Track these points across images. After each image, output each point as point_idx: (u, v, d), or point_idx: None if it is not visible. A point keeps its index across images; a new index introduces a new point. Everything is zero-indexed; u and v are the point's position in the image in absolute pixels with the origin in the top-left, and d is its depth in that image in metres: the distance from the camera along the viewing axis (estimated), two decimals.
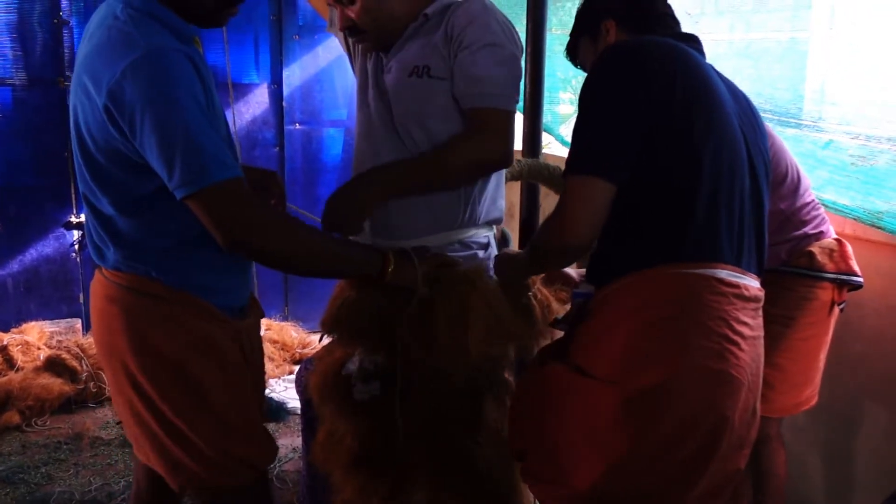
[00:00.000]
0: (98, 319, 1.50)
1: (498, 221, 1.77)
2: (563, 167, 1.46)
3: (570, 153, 1.44)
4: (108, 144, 1.32)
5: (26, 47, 3.76)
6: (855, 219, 2.23)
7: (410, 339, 1.54)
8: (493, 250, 1.78)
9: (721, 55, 2.71)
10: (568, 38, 1.87)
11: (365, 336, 1.66)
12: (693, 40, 1.57)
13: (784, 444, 2.29)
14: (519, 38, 1.69)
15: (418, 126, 1.63)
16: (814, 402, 2.25)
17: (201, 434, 1.47)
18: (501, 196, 1.79)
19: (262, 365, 1.71)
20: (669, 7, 1.68)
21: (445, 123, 1.63)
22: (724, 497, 1.45)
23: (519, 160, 2.07)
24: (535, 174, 2.08)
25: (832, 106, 2.40)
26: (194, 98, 1.27)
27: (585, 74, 1.55)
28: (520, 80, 1.67)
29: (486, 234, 1.72)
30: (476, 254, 1.69)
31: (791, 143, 2.34)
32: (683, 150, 1.37)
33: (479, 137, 1.59)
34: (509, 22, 1.67)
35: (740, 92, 1.57)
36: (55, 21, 3.78)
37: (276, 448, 1.64)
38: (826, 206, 2.27)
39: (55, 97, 3.83)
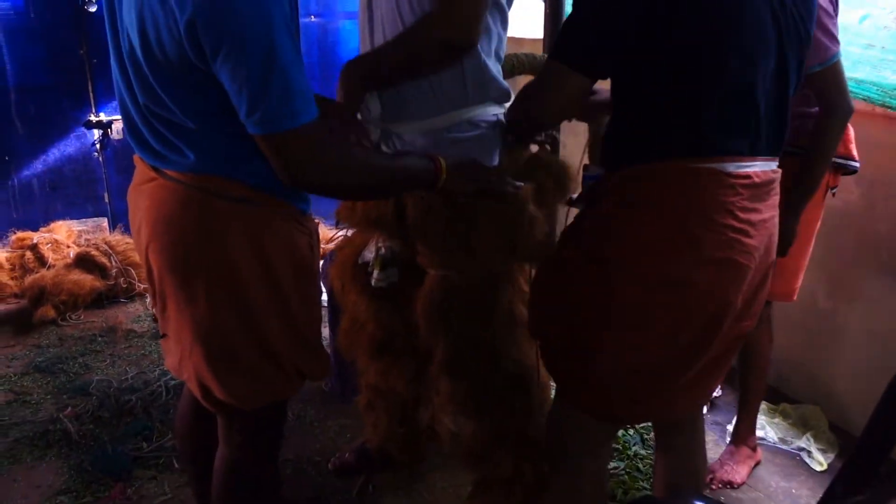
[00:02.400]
0: (169, 227, 1.36)
1: (507, 97, 1.72)
2: None
3: (558, 35, 1.41)
4: (181, 60, 1.21)
5: None
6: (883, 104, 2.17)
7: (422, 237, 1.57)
8: (503, 128, 1.72)
9: None
10: None
11: (380, 224, 1.67)
12: None
13: (772, 328, 2.31)
14: None
15: (408, 2, 1.58)
16: (794, 297, 2.24)
17: (284, 345, 1.43)
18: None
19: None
20: None
21: None
22: (727, 362, 1.55)
23: (515, 54, 2.01)
24: (534, 68, 2.02)
25: None
26: (287, 26, 1.17)
27: None
28: None
29: (496, 112, 1.69)
30: (484, 132, 1.66)
31: None
32: (693, 38, 1.31)
33: (440, 15, 1.51)
34: None
35: None
36: None
37: (330, 361, 1.62)
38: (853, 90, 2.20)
39: None
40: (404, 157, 1.49)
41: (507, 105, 1.69)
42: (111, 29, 1.33)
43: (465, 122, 1.62)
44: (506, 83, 1.70)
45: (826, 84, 1.89)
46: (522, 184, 1.60)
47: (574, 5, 1.39)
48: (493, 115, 1.66)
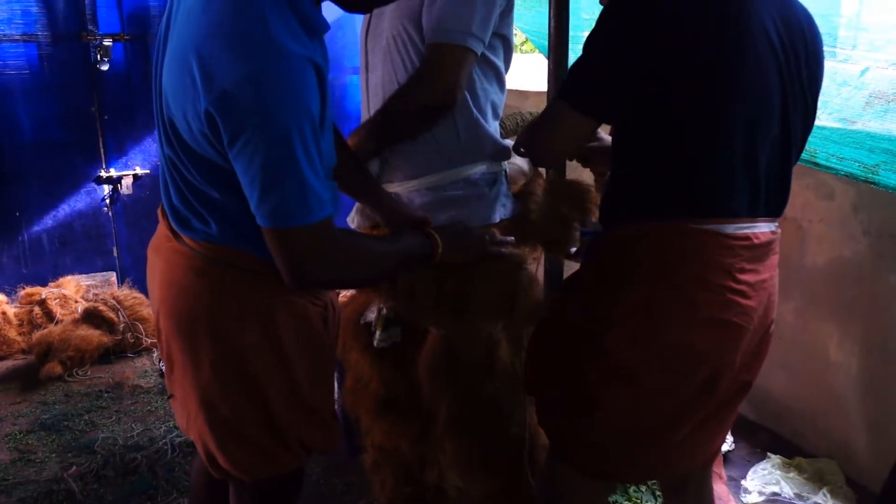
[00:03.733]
0: (179, 292, 1.36)
1: (505, 155, 1.73)
2: None
3: (567, 73, 1.43)
4: (203, 137, 1.19)
5: (49, 3, 3.75)
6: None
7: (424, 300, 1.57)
8: (502, 186, 1.74)
9: None
10: None
11: (381, 285, 1.67)
12: None
13: None
14: None
15: (401, 45, 1.61)
16: None
17: (286, 418, 1.40)
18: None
19: (337, 337, 1.61)
20: None
21: (420, 46, 1.59)
22: (728, 418, 1.54)
23: (519, 112, 2.03)
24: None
25: (865, 32, 2.30)
26: (311, 121, 1.14)
27: None
28: (489, 20, 1.57)
29: (494, 170, 1.69)
30: (482, 190, 1.67)
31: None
32: (697, 98, 1.31)
33: (421, 79, 1.55)
34: None
35: (801, 18, 1.41)
36: None
37: (341, 433, 1.58)
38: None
39: (79, 52, 3.82)
40: (402, 240, 1.47)
41: (506, 162, 1.70)
42: (154, 83, 1.32)
43: (461, 180, 1.64)
44: (504, 140, 1.72)
45: None
46: (513, 239, 1.60)
47: (583, 49, 1.39)
48: (491, 172, 1.67)
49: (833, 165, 2.32)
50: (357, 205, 1.82)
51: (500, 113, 1.75)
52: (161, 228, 1.43)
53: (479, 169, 1.67)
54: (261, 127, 1.10)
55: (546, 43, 2.71)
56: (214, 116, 1.12)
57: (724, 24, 1.31)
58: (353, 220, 1.84)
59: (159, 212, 1.44)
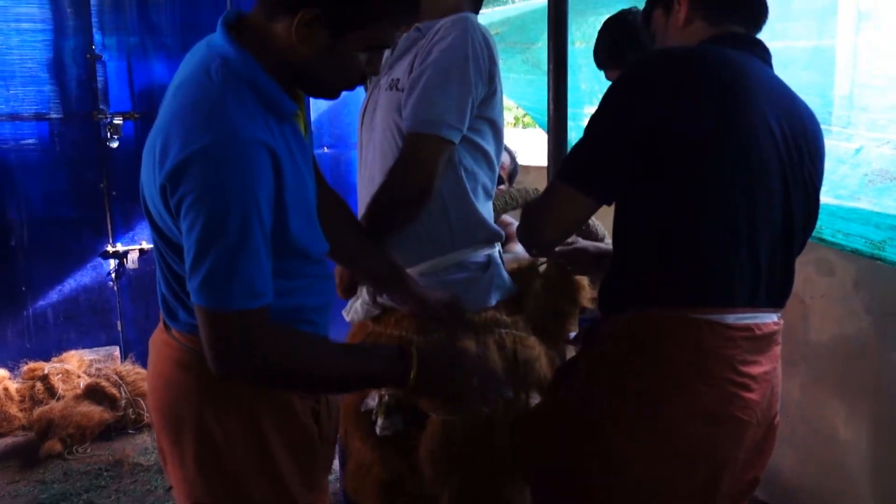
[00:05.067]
0: (165, 385, 1.34)
1: (497, 238, 1.75)
2: None
3: (567, 154, 1.43)
4: (165, 219, 1.20)
5: (62, 82, 3.86)
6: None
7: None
8: (497, 269, 1.75)
9: None
10: (592, 50, 1.83)
11: None
12: (756, 46, 1.45)
13: None
14: (492, 58, 1.62)
15: (391, 140, 1.64)
16: None
17: None
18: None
19: (336, 433, 1.54)
20: None
21: None
22: None
23: (508, 191, 2.07)
24: (525, 203, 2.07)
25: (861, 112, 2.35)
26: (256, 206, 1.12)
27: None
28: (465, 108, 1.58)
29: (486, 253, 1.71)
30: (475, 274, 1.68)
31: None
32: (699, 186, 1.31)
33: (398, 170, 1.57)
34: (486, 40, 1.62)
35: (802, 112, 1.43)
36: (88, 56, 3.87)
37: None
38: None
39: (90, 130, 3.91)
40: (367, 354, 1.37)
41: (499, 244, 1.72)
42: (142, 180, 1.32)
43: (453, 265, 1.65)
44: (495, 225, 1.74)
45: None
46: (511, 394, 1.55)
47: (586, 130, 1.40)
48: (484, 255, 1.68)
49: (839, 241, 2.32)
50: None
51: (493, 194, 1.78)
52: (161, 321, 1.42)
53: (471, 254, 1.68)
54: (200, 202, 1.10)
55: (545, 118, 2.77)
56: (166, 191, 1.13)
57: (727, 114, 1.31)
58: (348, 313, 1.84)
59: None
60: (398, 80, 1.63)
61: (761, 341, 1.35)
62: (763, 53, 1.45)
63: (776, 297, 1.40)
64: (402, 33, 1.68)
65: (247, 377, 1.21)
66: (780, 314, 1.42)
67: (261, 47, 1.19)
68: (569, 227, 1.46)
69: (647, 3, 1.62)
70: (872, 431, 2.49)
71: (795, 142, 1.37)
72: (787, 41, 2.52)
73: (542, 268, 1.80)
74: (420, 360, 1.29)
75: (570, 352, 1.91)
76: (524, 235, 1.52)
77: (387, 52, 1.69)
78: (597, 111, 1.38)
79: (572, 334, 1.72)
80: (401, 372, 1.29)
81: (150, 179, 1.19)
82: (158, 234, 1.25)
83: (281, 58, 1.20)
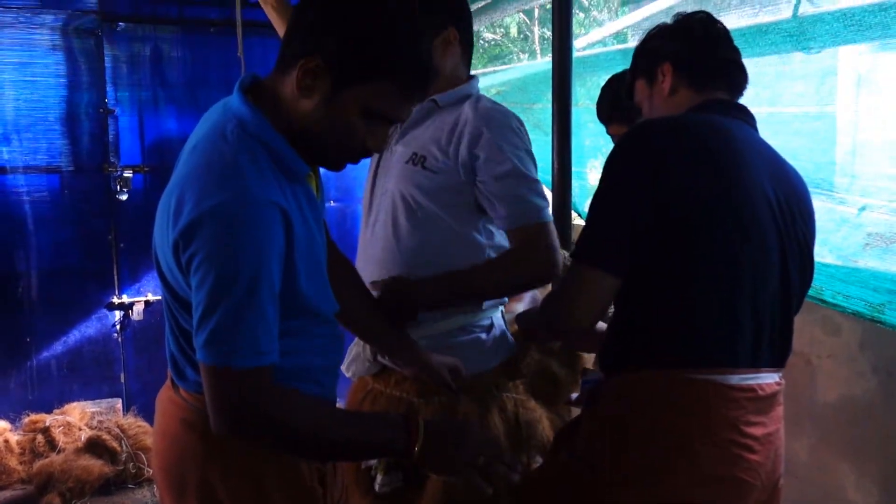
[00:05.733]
0: (170, 444, 1.34)
1: (501, 301, 1.78)
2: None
3: (579, 236, 1.44)
4: (176, 276, 1.21)
5: (74, 136, 3.91)
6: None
7: None
8: (499, 331, 1.78)
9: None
10: (595, 109, 1.87)
11: None
12: (742, 111, 1.50)
13: None
14: (526, 131, 1.72)
15: (405, 208, 1.68)
16: None
17: None
18: None
19: (341, 496, 1.52)
20: (735, 52, 1.54)
21: (429, 210, 1.67)
22: None
23: None
24: None
25: (859, 176, 2.38)
26: (267, 266, 1.13)
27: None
28: (539, 184, 1.69)
29: (490, 316, 1.73)
30: (479, 337, 1.71)
31: (818, 213, 2.33)
32: (699, 249, 1.33)
33: (530, 257, 1.63)
34: (512, 117, 1.71)
35: (790, 174, 1.47)
36: (101, 111, 3.94)
37: None
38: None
39: (100, 183, 3.96)
40: (371, 421, 1.38)
41: (503, 307, 1.74)
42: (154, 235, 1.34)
43: (457, 328, 1.67)
44: None
45: None
46: (517, 477, 1.55)
47: (593, 207, 1.43)
48: (487, 318, 1.70)
49: (839, 303, 2.34)
50: (354, 351, 1.84)
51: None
52: (168, 377, 1.43)
53: (476, 317, 1.70)
54: (211, 259, 1.11)
55: (549, 175, 2.82)
56: (179, 247, 1.14)
57: (724, 180, 1.35)
58: (348, 369, 1.85)
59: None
60: (423, 156, 1.67)
61: (764, 402, 1.35)
62: (748, 118, 1.49)
63: (778, 356, 1.41)
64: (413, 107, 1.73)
65: (246, 436, 1.21)
66: (781, 374, 1.42)
67: (274, 109, 1.22)
68: (602, 308, 1.41)
69: (629, 77, 1.67)
70: (882, 494, 2.45)
71: (788, 203, 1.41)
72: (789, 107, 2.56)
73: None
74: (426, 432, 1.27)
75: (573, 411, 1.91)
76: (552, 324, 1.50)
77: None
78: (602, 188, 1.41)
79: (574, 395, 1.72)
80: (405, 443, 1.27)
81: (163, 236, 1.21)
82: (169, 291, 1.26)
83: (288, 117, 1.22)
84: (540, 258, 1.62)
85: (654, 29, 1.62)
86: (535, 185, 1.65)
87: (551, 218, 1.67)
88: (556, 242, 1.64)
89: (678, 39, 1.54)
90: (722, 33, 1.54)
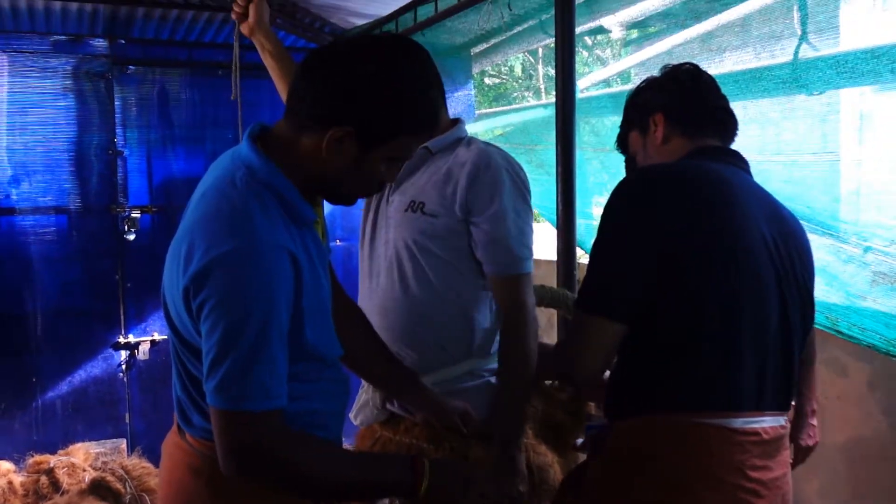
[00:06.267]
0: (176, 490, 1.34)
1: None
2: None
3: (581, 285, 1.45)
4: (185, 322, 1.22)
5: (83, 176, 3.95)
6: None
7: None
8: None
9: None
10: (597, 143, 1.89)
11: None
12: (734, 156, 1.52)
13: None
14: (522, 172, 1.74)
15: (409, 257, 1.69)
16: None
17: None
18: None
19: None
20: (723, 99, 1.58)
21: (434, 255, 1.68)
22: None
23: (542, 286, 2.10)
24: (557, 302, 2.11)
25: (865, 214, 2.38)
26: (276, 311, 1.15)
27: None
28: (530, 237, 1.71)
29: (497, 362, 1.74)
30: (488, 381, 1.70)
31: (825, 251, 2.33)
32: (697, 294, 1.34)
33: (518, 324, 1.64)
34: (519, 165, 1.73)
35: (786, 217, 1.49)
36: (110, 152, 3.99)
37: None
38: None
39: (108, 223, 3.99)
40: (378, 462, 1.40)
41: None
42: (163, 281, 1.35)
43: (466, 373, 1.67)
44: None
45: None
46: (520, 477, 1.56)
47: (594, 256, 1.43)
48: (495, 362, 1.70)
49: (855, 335, 2.32)
50: (363, 398, 1.83)
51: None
52: (174, 423, 1.42)
53: (483, 363, 1.70)
54: (221, 305, 1.13)
55: (554, 214, 2.83)
56: (189, 294, 1.16)
57: (722, 225, 1.36)
58: (356, 417, 1.84)
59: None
60: (421, 202, 1.68)
61: (769, 445, 1.35)
62: (741, 163, 1.52)
63: (782, 399, 1.41)
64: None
65: (257, 478, 1.21)
66: (786, 417, 1.42)
67: (285, 157, 1.25)
68: (608, 353, 1.41)
69: (621, 129, 1.70)
70: None
71: (785, 244, 1.42)
72: (793, 154, 2.55)
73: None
74: (432, 473, 1.29)
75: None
76: (563, 373, 1.53)
77: None
78: (601, 236, 1.42)
79: (579, 441, 1.71)
80: (412, 483, 1.28)
81: (172, 283, 1.23)
82: (177, 336, 1.27)
83: (307, 169, 1.25)
84: (525, 317, 1.64)
85: (643, 82, 1.66)
86: (521, 233, 1.66)
87: (531, 269, 1.68)
88: (531, 288, 1.65)
89: (668, 90, 1.58)
90: (709, 82, 1.58)
